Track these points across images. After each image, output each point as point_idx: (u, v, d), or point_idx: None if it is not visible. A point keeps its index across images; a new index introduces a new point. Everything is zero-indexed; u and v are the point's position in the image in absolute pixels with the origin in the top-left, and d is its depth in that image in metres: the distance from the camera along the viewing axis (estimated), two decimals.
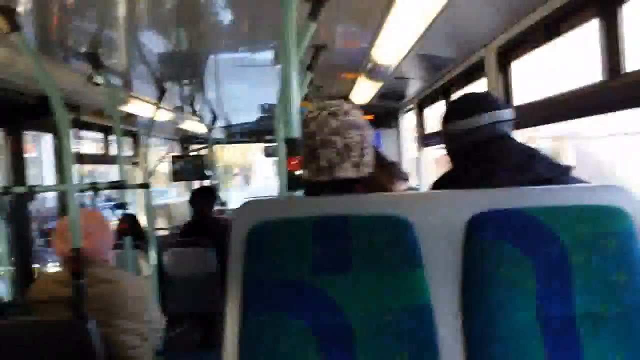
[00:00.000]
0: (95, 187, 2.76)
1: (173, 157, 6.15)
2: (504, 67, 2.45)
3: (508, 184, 1.36)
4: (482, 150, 1.48)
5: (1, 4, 1.94)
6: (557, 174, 1.39)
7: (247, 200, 1.28)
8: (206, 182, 6.32)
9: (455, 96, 3.58)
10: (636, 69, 1.67)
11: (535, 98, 2.24)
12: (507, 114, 1.53)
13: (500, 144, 1.47)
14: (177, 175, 6.08)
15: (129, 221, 3.11)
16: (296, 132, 1.33)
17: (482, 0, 2.08)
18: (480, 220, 1.20)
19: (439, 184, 1.56)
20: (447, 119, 1.61)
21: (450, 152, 1.62)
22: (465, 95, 1.65)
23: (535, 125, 2.27)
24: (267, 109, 5.38)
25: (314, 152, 1.42)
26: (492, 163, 1.43)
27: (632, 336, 1.14)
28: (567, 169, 1.42)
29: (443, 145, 1.67)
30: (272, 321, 1.14)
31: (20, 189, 2.58)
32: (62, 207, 3.51)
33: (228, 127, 6.20)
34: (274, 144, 6.19)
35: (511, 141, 1.49)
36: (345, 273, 1.15)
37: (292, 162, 1.32)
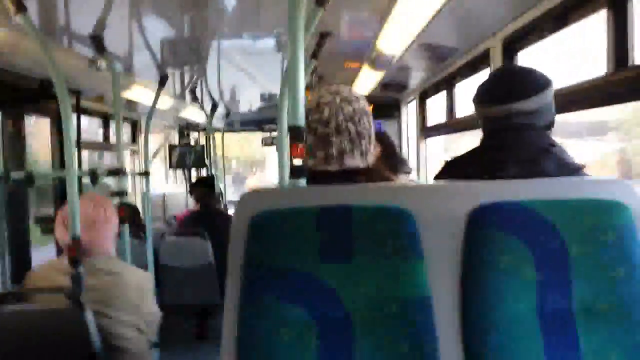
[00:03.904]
0: (94, 174, 2.75)
1: (170, 145, 6.14)
2: (510, 58, 2.44)
3: (516, 176, 1.36)
4: (497, 139, 1.47)
5: None
6: (565, 173, 1.37)
7: (249, 190, 1.28)
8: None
9: (459, 87, 3.58)
10: None
11: None
12: (530, 104, 1.46)
13: (516, 135, 1.44)
14: (175, 163, 6.07)
15: (128, 210, 3.08)
16: (301, 119, 1.32)
17: None
18: (481, 212, 1.20)
19: (450, 166, 1.56)
20: (474, 101, 1.58)
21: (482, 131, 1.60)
22: (493, 79, 1.57)
23: None
24: (269, 98, 5.36)
25: (326, 140, 1.39)
26: (504, 153, 1.42)
27: (629, 330, 1.15)
28: (577, 169, 1.41)
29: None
30: (271, 310, 1.14)
31: (18, 175, 2.56)
32: (61, 194, 3.49)
33: (229, 115, 6.18)
34: (274, 133, 6.18)
35: (531, 133, 1.45)
36: (346, 263, 1.16)
37: (296, 149, 1.31)
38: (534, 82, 1.49)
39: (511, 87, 1.48)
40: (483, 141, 1.54)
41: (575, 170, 1.40)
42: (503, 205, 1.20)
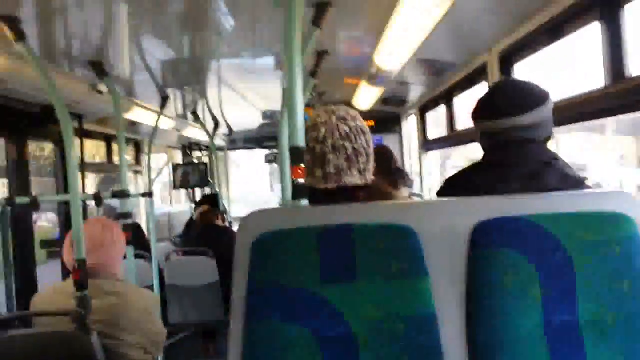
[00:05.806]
0: (98, 197, 2.76)
1: (174, 165, 6.15)
2: (506, 71, 2.46)
3: (519, 191, 1.35)
4: (499, 155, 1.46)
5: (6, 14, 1.95)
6: (568, 186, 1.37)
7: (253, 210, 1.27)
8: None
9: (457, 100, 3.59)
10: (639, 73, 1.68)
11: None
12: (530, 118, 1.45)
13: (518, 150, 1.44)
14: (179, 183, 6.07)
15: (133, 230, 3.09)
16: (301, 140, 1.32)
17: (485, 5, 2.08)
18: (485, 228, 1.19)
19: (452, 183, 1.55)
20: (473, 116, 1.57)
21: (481, 146, 1.59)
22: (492, 94, 1.55)
23: None
24: (270, 116, 5.38)
25: (323, 158, 1.39)
26: (506, 168, 1.41)
27: (635, 343, 1.13)
28: (580, 182, 1.40)
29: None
30: (276, 331, 1.13)
31: (23, 200, 2.57)
32: (67, 218, 3.49)
33: (231, 134, 6.21)
34: (275, 151, 6.19)
35: (532, 147, 1.45)
36: (350, 282, 1.15)
37: (297, 171, 1.32)
38: (534, 95, 1.48)
39: (512, 101, 1.47)
40: (484, 157, 1.54)
41: (578, 183, 1.40)
42: (506, 221, 1.19)
